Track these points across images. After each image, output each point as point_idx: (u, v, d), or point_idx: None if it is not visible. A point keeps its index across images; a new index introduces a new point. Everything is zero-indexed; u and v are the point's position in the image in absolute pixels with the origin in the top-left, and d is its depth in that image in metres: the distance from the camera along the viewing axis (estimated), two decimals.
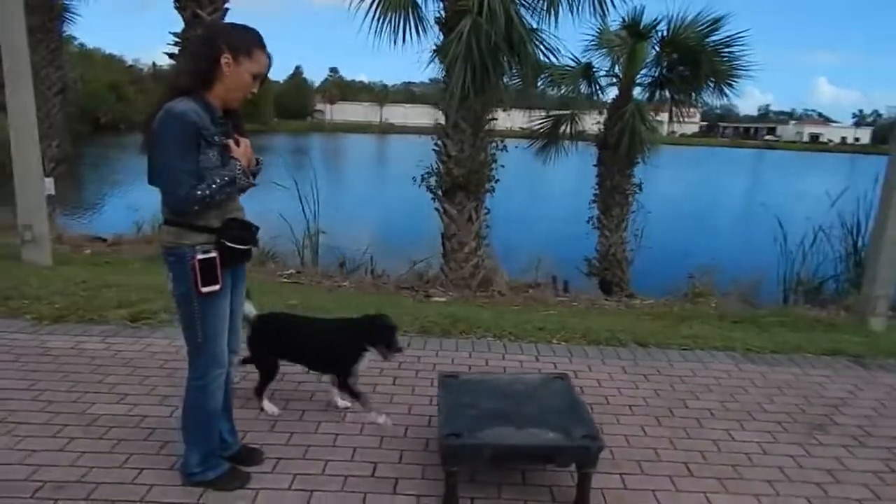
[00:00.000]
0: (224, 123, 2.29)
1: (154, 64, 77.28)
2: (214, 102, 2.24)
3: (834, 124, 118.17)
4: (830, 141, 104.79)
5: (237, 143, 2.29)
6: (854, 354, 4.34)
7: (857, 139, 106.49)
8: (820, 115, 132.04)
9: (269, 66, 2.29)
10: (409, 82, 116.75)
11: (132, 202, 9.27)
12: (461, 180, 7.25)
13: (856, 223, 8.82)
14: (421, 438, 2.94)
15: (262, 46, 2.25)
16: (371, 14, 6.80)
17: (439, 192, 7.49)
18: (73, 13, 11.59)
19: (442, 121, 7.43)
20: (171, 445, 2.81)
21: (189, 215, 2.20)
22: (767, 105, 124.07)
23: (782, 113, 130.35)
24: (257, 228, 2.36)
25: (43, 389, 3.31)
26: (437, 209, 7.65)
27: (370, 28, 6.80)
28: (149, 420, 3.04)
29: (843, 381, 3.86)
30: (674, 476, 2.71)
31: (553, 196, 20.53)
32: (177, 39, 8.56)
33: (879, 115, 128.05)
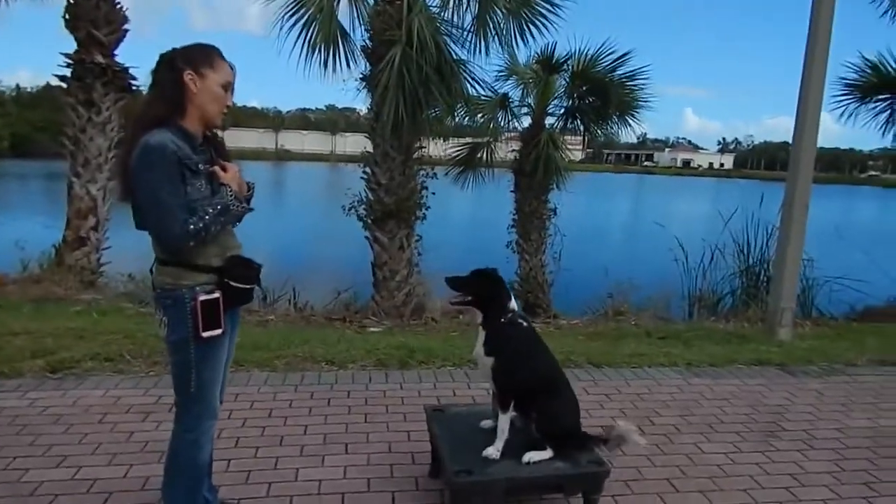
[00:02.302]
0: (205, 150, 2.14)
1: (17, 86, 70.92)
2: (191, 128, 2.09)
3: (702, 151, 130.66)
4: (700, 166, 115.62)
5: (224, 169, 2.15)
6: (778, 363, 4.73)
7: (721, 164, 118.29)
8: (690, 142, 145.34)
9: (234, 75, 2.17)
10: (305, 108, 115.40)
11: (19, 237, 8.30)
12: (392, 208, 7.20)
13: (746, 242, 9.68)
14: (410, 477, 2.84)
15: (222, 55, 2.14)
16: (298, 44, 6.69)
17: (369, 221, 7.39)
18: None
19: (370, 149, 7.37)
20: None
21: (186, 253, 2.02)
22: (644, 133, 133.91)
23: (658, 141, 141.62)
24: (260, 266, 2.20)
25: None
26: (367, 237, 7.53)
27: (298, 58, 6.69)
28: (101, 483, 2.71)
29: (778, 388, 4.19)
30: (661, 493, 2.80)
31: (473, 221, 20.90)
32: (69, 61, 7.95)
33: (739, 143, 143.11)
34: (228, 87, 2.13)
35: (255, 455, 2.99)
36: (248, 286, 2.14)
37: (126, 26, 8.18)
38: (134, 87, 8.35)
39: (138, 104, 2.18)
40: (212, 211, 2.03)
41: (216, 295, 2.05)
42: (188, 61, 2.06)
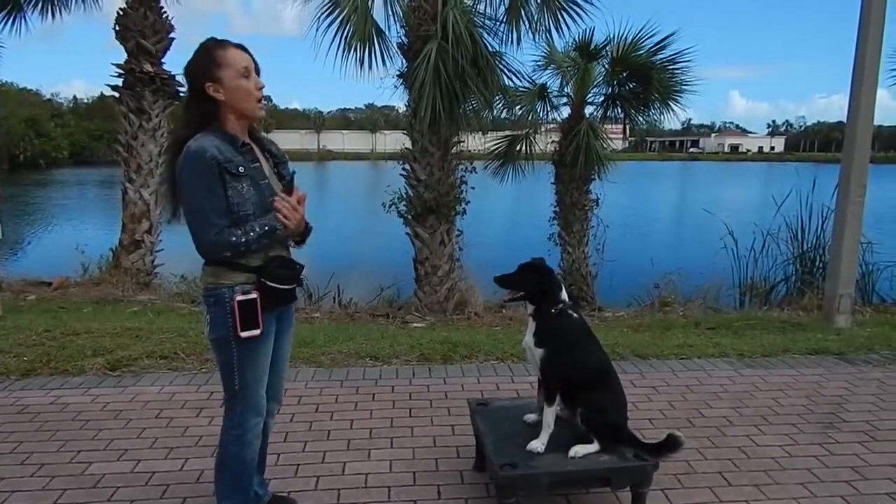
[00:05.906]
0: (249, 151, 2.15)
1: (74, 98, 74.01)
2: (232, 130, 2.10)
3: (750, 135, 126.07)
4: (749, 150, 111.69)
5: (290, 194, 2.14)
6: (837, 352, 4.54)
7: (772, 147, 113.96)
8: (737, 126, 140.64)
9: (248, 55, 2.09)
10: (345, 108, 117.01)
11: (79, 242, 8.70)
12: (432, 204, 7.22)
13: (800, 226, 9.28)
14: (454, 471, 2.85)
15: (224, 46, 2.07)
16: (335, 44, 6.76)
17: (409, 217, 7.43)
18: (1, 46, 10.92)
19: (409, 145, 7.40)
20: (191, 501, 2.62)
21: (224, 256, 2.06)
22: (689, 119, 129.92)
23: (703, 126, 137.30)
24: (302, 266, 2.20)
25: (30, 451, 3.03)
26: (407, 234, 7.57)
27: (335, 57, 6.77)
28: (159, 476, 2.82)
29: (837, 378, 4.02)
30: (713, 487, 2.72)
31: (513, 214, 20.81)
32: (120, 71, 8.25)
33: (790, 125, 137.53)
34: (249, 71, 2.05)
35: (304, 449, 3.06)
36: (287, 286, 2.14)
37: (172, 35, 8.44)
38: (181, 94, 8.64)
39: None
40: (258, 230, 2.03)
41: (253, 296, 2.05)
42: (202, 74, 2.04)
